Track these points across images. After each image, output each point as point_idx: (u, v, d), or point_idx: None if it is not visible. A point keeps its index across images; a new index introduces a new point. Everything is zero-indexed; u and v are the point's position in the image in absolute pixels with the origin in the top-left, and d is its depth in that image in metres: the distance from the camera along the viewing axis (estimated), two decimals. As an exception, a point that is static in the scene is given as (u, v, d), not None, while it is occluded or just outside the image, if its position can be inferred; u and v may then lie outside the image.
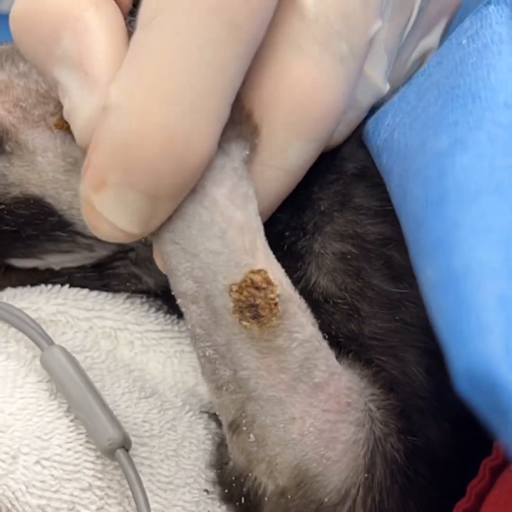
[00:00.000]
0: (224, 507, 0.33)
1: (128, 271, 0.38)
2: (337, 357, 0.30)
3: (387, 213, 0.31)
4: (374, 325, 0.31)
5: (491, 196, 0.21)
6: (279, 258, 0.29)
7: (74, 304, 0.37)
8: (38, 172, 0.35)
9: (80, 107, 0.27)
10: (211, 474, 0.33)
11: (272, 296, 0.27)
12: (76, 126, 0.28)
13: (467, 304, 0.20)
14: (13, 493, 0.29)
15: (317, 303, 0.31)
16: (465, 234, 0.21)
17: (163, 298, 0.39)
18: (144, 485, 0.31)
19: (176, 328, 0.38)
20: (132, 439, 0.32)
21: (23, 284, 0.38)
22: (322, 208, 0.32)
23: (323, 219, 0.32)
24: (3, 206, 0.35)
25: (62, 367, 0.32)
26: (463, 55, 0.26)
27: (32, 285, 0.38)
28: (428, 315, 0.24)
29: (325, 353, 0.29)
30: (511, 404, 0.18)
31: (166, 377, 0.37)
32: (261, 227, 0.28)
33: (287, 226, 0.33)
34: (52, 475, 0.30)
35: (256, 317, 0.27)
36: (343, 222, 0.32)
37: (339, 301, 0.31)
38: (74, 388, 0.31)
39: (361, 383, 0.30)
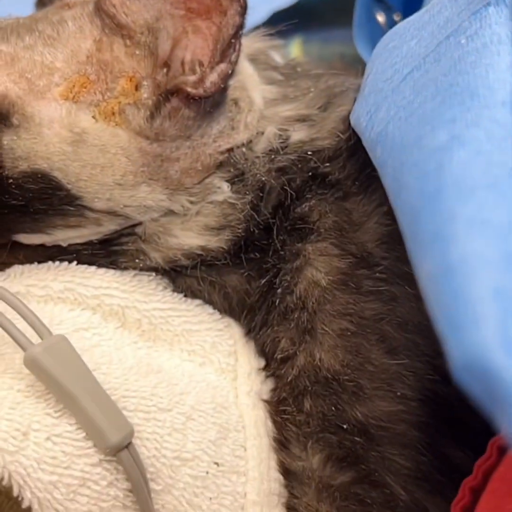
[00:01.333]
0: (234, 478, 0.33)
1: (136, 247, 0.38)
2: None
3: (380, 292, 0.34)
4: (379, 410, 0.32)
5: (488, 191, 0.22)
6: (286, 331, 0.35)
7: (82, 281, 0.37)
8: (45, 144, 0.35)
9: None
10: (221, 447, 0.33)
11: None
12: None
13: (463, 296, 0.20)
14: (24, 469, 0.29)
15: (326, 381, 0.33)
16: (462, 227, 0.21)
17: (170, 276, 0.39)
18: (148, 462, 0.32)
19: (183, 306, 0.38)
20: (139, 414, 0.32)
21: (30, 261, 0.38)
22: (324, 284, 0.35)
23: (325, 296, 0.35)
24: (11, 180, 0.34)
25: (66, 360, 0.31)
26: (462, 54, 0.26)
27: (40, 262, 0.38)
28: (426, 385, 0.30)
29: None
30: (507, 392, 0.18)
31: (173, 355, 0.37)
32: None
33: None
34: (63, 452, 0.30)
35: None
36: (343, 301, 0.34)
37: (344, 377, 0.33)
38: (71, 386, 0.30)
39: None
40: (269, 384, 0.37)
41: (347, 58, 0.63)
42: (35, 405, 0.31)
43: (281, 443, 0.35)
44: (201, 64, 0.35)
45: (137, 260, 0.38)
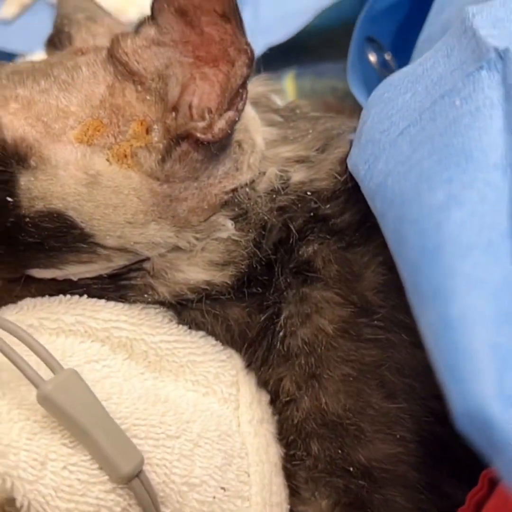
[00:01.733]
0: (239, 503, 0.35)
1: (144, 281, 0.39)
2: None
3: (378, 340, 0.36)
4: (380, 452, 0.35)
5: (483, 251, 0.24)
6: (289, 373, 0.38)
7: (92, 314, 0.39)
8: (61, 185, 0.36)
9: None
10: (227, 473, 0.35)
11: None
12: None
13: (462, 349, 0.22)
14: (43, 497, 0.31)
15: (332, 425, 0.36)
16: (460, 284, 0.23)
17: (176, 309, 0.41)
18: (158, 488, 0.33)
19: (188, 338, 0.40)
20: (149, 442, 0.34)
21: (42, 294, 0.40)
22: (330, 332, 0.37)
23: (331, 343, 0.37)
24: (28, 219, 0.36)
25: (78, 394, 0.33)
26: (457, 115, 0.28)
27: (51, 295, 0.40)
28: (422, 427, 0.33)
29: None
30: (504, 440, 0.20)
31: (178, 385, 0.39)
32: None
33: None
34: (79, 480, 0.32)
35: None
36: (345, 348, 0.37)
37: (347, 421, 0.36)
38: (83, 421, 0.32)
39: None
40: (274, 423, 0.39)
41: (339, 92, 0.66)
42: (51, 436, 0.33)
43: (292, 489, 0.37)
44: (209, 110, 0.37)
45: (145, 295, 0.39)
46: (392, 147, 0.32)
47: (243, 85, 0.36)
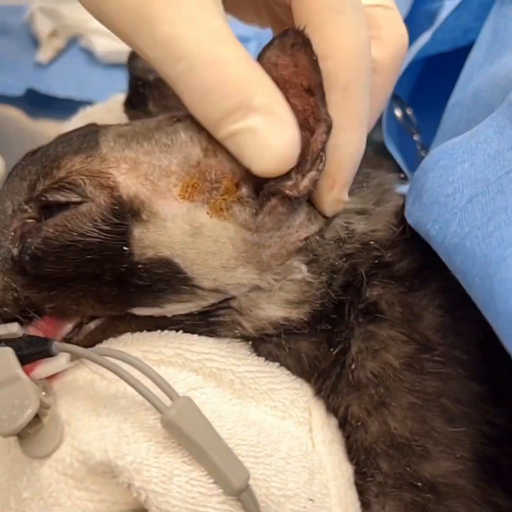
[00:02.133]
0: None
1: (231, 318, 0.45)
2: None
3: (439, 373, 0.43)
4: (443, 469, 0.41)
5: None
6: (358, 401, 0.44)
7: (188, 347, 0.44)
8: (168, 235, 0.42)
9: (271, 144, 0.38)
10: (313, 486, 0.41)
11: None
12: (270, 158, 0.38)
13: None
14: (172, 508, 0.36)
15: (400, 446, 0.42)
16: None
17: (253, 343, 0.46)
18: (260, 500, 0.39)
19: (267, 368, 0.46)
20: (250, 459, 0.39)
21: (141, 329, 0.45)
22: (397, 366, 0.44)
23: (398, 376, 0.43)
24: (141, 265, 0.42)
25: (194, 418, 0.38)
26: None
27: (149, 330, 0.45)
28: (478, 448, 0.40)
29: None
30: None
31: (259, 411, 0.45)
32: None
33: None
34: (199, 492, 0.37)
35: None
36: (411, 380, 0.43)
37: (414, 443, 0.42)
38: (200, 442, 0.37)
39: None
40: (343, 444, 0.45)
41: (374, 145, 0.73)
42: (173, 454, 0.38)
43: (363, 502, 0.43)
44: (296, 171, 0.41)
45: (233, 331, 0.45)
46: (463, 212, 0.38)
47: (323, 149, 0.42)
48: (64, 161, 0.43)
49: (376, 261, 0.46)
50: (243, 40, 0.93)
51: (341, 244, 0.46)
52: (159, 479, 0.36)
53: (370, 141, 0.72)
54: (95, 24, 0.87)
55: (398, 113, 0.68)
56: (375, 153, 0.66)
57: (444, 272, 0.45)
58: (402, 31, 0.48)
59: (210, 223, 0.42)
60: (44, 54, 0.88)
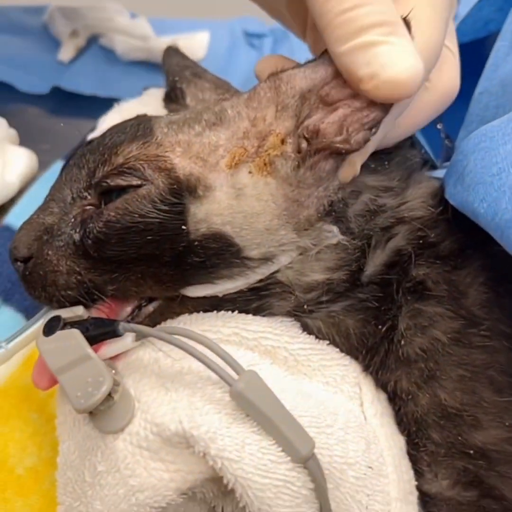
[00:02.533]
0: (382, 479, 0.43)
1: (281, 289, 0.46)
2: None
3: (485, 346, 0.45)
4: (493, 437, 0.44)
5: None
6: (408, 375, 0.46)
7: (244, 326, 0.46)
8: (217, 203, 0.44)
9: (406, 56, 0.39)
10: (370, 455, 0.43)
11: None
12: (404, 66, 0.39)
13: None
14: (246, 474, 0.38)
15: (452, 416, 0.45)
16: None
17: (302, 321, 0.48)
18: (324, 467, 0.41)
19: (318, 346, 0.48)
20: (313, 429, 0.41)
21: (197, 310, 0.47)
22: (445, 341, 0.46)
23: (446, 350, 0.46)
24: (197, 242, 0.43)
25: (260, 390, 0.40)
26: None
27: (205, 310, 0.47)
28: None
29: None
30: None
31: (311, 386, 0.47)
32: None
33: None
34: (270, 460, 0.39)
35: None
36: (459, 354, 0.45)
37: (464, 413, 0.44)
38: (268, 412, 0.39)
39: None
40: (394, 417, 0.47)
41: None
42: (242, 425, 0.40)
43: (417, 471, 0.45)
44: (347, 129, 0.43)
45: (284, 301, 0.47)
46: (512, 190, 0.40)
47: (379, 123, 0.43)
48: (122, 148, 0.45)
49: (420, 241, 0.48)
50: (258, 36, 0.96)
51: (372, 216, 0.48)
52: (232, 448, 0.38)
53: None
54: (114, 23, 0.89)
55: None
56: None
57: (484, 251, 0.47)
58: (456, 81, 0.50)
59: (252, 182, 0.44)
60: (65, 54, 0.90)
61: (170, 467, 0.39)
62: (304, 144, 0.44)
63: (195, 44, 0.93)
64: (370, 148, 0.45)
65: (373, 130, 0.43)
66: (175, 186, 0.43)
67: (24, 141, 0.79)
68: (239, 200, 0.44)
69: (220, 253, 0.44)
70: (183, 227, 0.43)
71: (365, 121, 0.42)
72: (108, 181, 0.44)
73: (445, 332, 0.46)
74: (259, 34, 0.99)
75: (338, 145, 0.42)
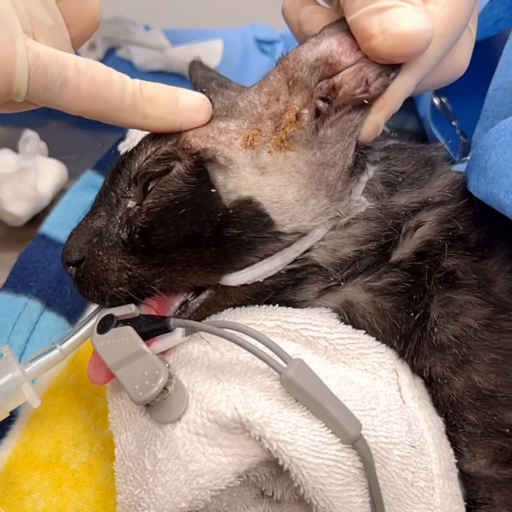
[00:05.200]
0: (424, 458, 0.45)
1: (316, 270, 0.49)
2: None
3: None
4: None
5: None
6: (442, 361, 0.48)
7: (286, 319, 0.48)
8: (244, 179, 0.47)
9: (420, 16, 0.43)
10: (412, 435, 0.45)
11: None
12: (418, 21, 0.42)
13: None
14: (300, 455, 0.40)
15: (486, 398, 0.47)
16: None
17: (341, 311, 0.51)
18: (372, 447, 0.43)
19: (356, 335, 0.50)
20: (358, 413, 0.43)
21: (240, 299, 0.49)
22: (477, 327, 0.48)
23: (479, 335, 0.48)
24: (231, 210, 0.46)
25: (308, 377, 0.42)
26: None
27: (248, 299, 0.49)
28: None
29: None
30: None
31: (352, 373, 0.49)
32: None
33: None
34: (321, 441, 0.41)
35: None
36: (491, 339, 0.48)
37: (499, 394, 0.47)
38: (317, 396, 0.42)
39: None
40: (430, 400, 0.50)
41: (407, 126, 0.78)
42: (293, 410, 0.42)
43: (456, 451, 0.48)
44: (366, 81, 0.45)
45: (321, 281, 0.49)
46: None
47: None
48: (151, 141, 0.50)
49: (450, 233, 0.50)
50: (270, 43, 0.99)
51: (397, 188, 0.51)
52: (286, 431, 0.41)
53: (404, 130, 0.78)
54: (131, 35, 0.92)
55: (436, 100, 0.73)
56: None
57: (509, 240, 0.49)
58: (467, 60, 0.53)
59: (272, 159, 0.47)
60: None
61: (227, 452, 0.42)
62: (321, 104, 0.47)
63: (210, 52, 0.96)
64: (391, 101, 0.46)
65: (392, 75, 0.45)
66: (195, 156, 0.47)
67: (51, 152, 0.82)
68: (264, 176, 0.47)
69: (253, 223, 0.46)
70: (212, 190, 0.46)
71: (381, 69, 0.45)
72: (149, 169, 0.48)
73: (476, 319, 0.48)
74: (270, 40, 1.01)
75: (359, 95, 0.45)
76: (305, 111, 0.47)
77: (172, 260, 0.47)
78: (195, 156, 0.47)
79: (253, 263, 0.48)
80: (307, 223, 0.47)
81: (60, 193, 0.78)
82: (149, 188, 0.48)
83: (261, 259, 0.48)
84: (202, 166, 0.47)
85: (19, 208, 0.74)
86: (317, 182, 0.47)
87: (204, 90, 0.61)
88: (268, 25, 1.03)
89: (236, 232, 0.46)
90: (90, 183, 0.75)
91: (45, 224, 0.71)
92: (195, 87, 0.63)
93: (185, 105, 0.48)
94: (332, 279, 0.49)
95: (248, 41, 1.02)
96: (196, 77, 0.65)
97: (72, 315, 0.64)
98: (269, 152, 0.47)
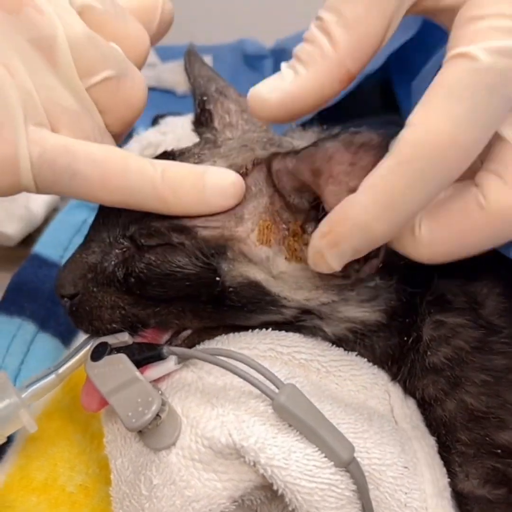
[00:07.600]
0: (417, 478, 0.46)
1: (313, 324, 0.50)
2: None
3: (505, 352, 0.48)
4: None
5: None
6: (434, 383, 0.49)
7: (279, 342, 0.49)
8: (253, 273, 0.47)
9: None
10: (405, 456, 0.46)
11: None
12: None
13: None
14: (294, 480, 0.41)
15: (478, 418, 0.48)
16: None
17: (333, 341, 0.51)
18: (365, 469, 0.44)
19: (348, 357, 0.51)
20: (351, 435, 0.44)
21: (232, 331, 0.50)
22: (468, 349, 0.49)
23: (470, 358, 0.49)
24: (232, 288, 0.47)
25: (300, 402, 0.43)
26: None
27: (240, 329, 0.50)
28: None
29: None
30: None
31: (344, 395, 0.50)
32: None
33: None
34: (314, 465, 0.42)
35: None
36: (481, 360, 0.48)
37: (490, 415, 0.47)
38: (309, 421, 0.42)
39: None
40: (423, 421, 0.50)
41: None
42: (286, 435, 0.43)
43: (449, 472, 0.48)
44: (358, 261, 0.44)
45: (315, 335, 0.50)
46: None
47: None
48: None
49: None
50: (260, 58, 1.00)
51: None
52: (280, 456, 0.41)
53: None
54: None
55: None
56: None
57: (496, 262, 0.50)
58: None
59: (290, 269, 0.47)
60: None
61: (222, 477, 0.42)
62: None
63: (200, 69, 0.96)
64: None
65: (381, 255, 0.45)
66: (203, 249, 0.46)
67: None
68: (277, 280, 0.47)
69: (254, 301, 0.47)
70: (217, 278, 0.46)
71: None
72: (141, 240, 0.47)
73: (467, 342, 0.49)
74: (259, 56, 1.02)
75: (353, 275, 0.46)
76: (310, 228, 0.46)
77: (167, 304, 0.47)
78: (202, 247, 0.46)
79: (251, 323, 0.49)
80: (313, 305, 0.48)
81: (52, 212, 0.78)
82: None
83: (262, 319, 0.49)
84: (210, 258, 0.46)
85: (12, 228, 0.74)
86: (329, 285, 0.48)
87: (205, 98, 0.59)
88: (256, 41, 1.04)
89: (234, 305, 0.47)
90: (82, 202, 0.75)
91: (37, 244, 0.71)
92: (194, 87, 0.60)
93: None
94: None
95: (238, 56, 1.03)
96: (193, 74, 0.61)
97: (66, 336, 0.64)
98: (285, 258, 0.47)
